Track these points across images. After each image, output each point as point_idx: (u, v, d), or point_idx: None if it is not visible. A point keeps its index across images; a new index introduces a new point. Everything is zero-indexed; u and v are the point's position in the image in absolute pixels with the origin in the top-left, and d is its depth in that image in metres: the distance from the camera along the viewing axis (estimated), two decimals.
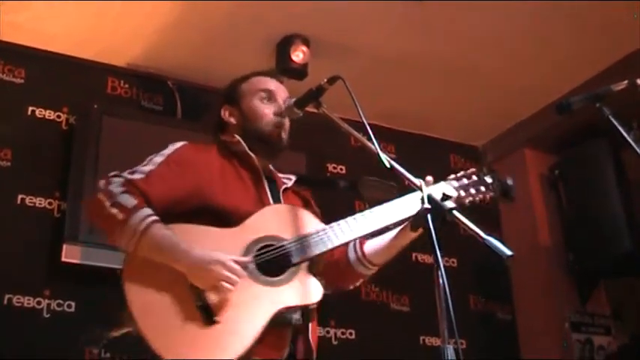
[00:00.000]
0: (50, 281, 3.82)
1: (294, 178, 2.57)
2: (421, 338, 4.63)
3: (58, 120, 4.22)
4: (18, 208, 3.93)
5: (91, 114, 4.15)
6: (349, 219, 2.30)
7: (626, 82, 2.50)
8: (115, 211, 2.11)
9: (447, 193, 2.01)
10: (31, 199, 3.97)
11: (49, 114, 4.21)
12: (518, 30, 4.24)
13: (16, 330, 3.65)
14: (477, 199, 2.37)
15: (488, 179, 2.39)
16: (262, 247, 2.20)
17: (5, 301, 3.69)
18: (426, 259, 4.49)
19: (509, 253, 1.76)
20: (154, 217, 2.13)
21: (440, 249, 1.82)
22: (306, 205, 2.54)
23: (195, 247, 2.11)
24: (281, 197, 2.44)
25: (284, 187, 2.49)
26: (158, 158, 2.30)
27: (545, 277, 4.99)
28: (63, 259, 3.77)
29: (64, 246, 3.78)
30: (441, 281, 1.77)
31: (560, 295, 4.94)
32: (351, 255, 2.47)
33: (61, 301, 3.80)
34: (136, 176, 2.21)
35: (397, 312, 4.68)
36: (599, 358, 4.85)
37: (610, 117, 2.44)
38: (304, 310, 2.18)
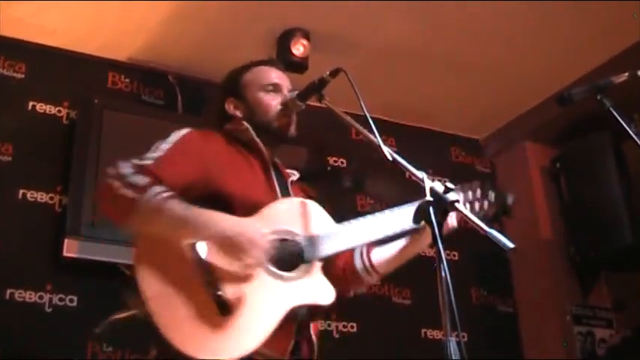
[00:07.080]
0: (52, 276, 3.81)
1: (297, 173, 2.54)
2: (423, 331, 4.64)
3: (59, 115, 4.22)
4: (19, 203, 3.92)
5: (91, 108, 4.14)
6: (362, 219, 2.29)
7: (627, 73, 2.50)
8: (126, 191, 2.04)
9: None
10: (32, 193, 3.96)
11: (50, 109, 4.20)
12: (519, 22, 4.24)
13: (18, 324, 3.65)
14: (481, 214, 2.37)
15: (491, 194, 2.40)
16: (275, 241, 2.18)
17: (7, 296, 3.68)
18: (427, 252, 4.47)
19: (510, 245, 1.75)
20: (170, 193, 2.06)
21: (442, 242, 1.81)
22: None
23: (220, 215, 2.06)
24: (289, 188, 2.43)
25: (291, 179, 2.48)
26: (165, 145, 2.24)
27: (546, 269, 4.99)
28: (64, 253, 3.75)
29: (66, 240, 3.77)
30: (442, 274, 1.76)
31: (562, 287, 4.94)
32: (358, 262, 2.47)
33: (62, 296, 3.80)
34: (146, 161, 2.16)
35: (399, 305, 4.69)
36: (601, 351, 4.86)
37: (611, 109, 2.43)
38: (314, 308, 2.16)
